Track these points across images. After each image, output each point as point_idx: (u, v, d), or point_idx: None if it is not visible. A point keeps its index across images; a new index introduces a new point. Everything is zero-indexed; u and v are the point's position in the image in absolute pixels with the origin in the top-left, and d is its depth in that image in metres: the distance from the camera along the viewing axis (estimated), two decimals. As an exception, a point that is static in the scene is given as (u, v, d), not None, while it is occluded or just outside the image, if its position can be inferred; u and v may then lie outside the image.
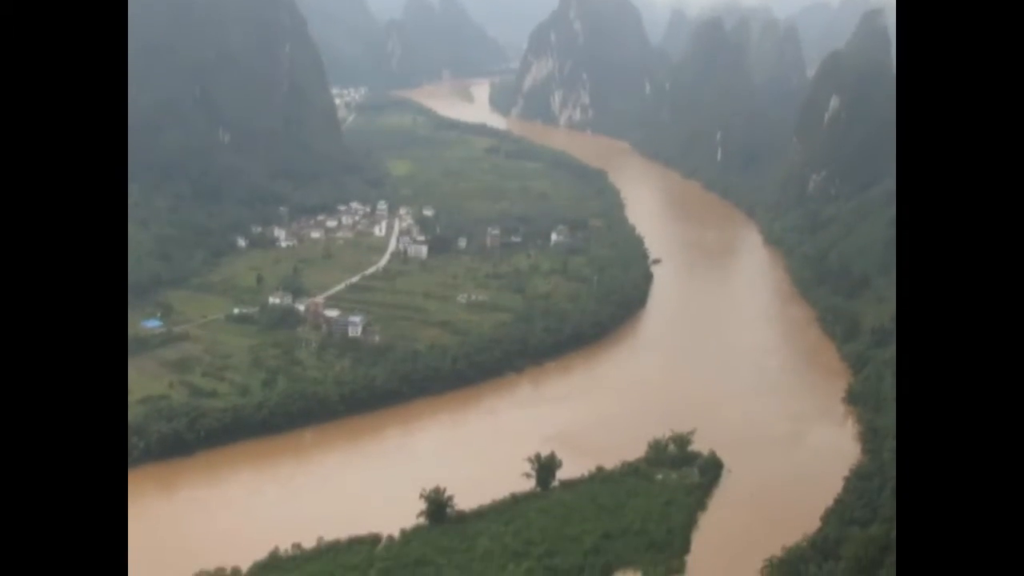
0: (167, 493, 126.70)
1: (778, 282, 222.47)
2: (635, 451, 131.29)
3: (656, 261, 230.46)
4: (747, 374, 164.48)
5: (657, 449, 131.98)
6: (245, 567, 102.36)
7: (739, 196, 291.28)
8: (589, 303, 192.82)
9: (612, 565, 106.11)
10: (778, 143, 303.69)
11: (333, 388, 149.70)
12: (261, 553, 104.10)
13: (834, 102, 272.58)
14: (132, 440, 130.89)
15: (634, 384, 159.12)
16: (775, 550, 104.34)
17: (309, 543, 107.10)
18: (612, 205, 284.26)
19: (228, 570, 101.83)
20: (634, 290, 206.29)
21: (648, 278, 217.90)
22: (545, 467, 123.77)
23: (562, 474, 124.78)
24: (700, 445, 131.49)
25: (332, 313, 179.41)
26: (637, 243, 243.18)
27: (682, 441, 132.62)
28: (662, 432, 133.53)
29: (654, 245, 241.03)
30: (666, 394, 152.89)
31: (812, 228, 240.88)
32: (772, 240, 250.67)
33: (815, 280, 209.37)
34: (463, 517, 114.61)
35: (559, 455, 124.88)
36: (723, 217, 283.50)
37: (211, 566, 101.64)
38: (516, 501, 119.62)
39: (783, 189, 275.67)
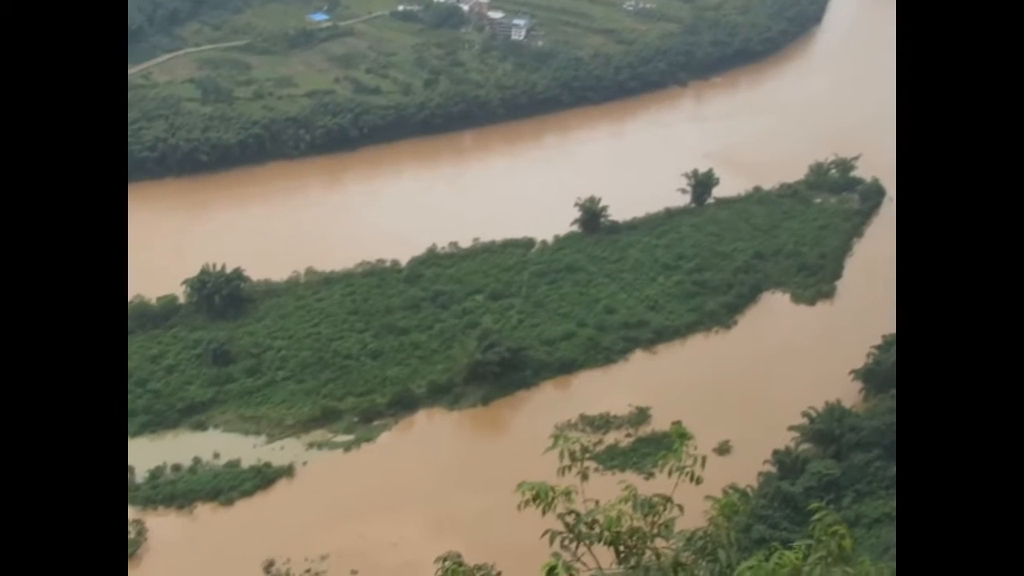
0: (332, 185, 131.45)
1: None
2: (795, 173, 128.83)
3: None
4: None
5: (818, 172, 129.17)
6: (404, 260, 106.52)
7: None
8: (761, 16, 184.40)
9: (761, 284, 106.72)
10: None
11: (494, 91, 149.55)
12: (419, 249, 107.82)
13: None
14: (299, 133, 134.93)
15: (801, 104, 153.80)
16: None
17: (465, 243, 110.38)
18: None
19: (388, 262, 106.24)
20: (810, 5, 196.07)
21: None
22: (702, 183, 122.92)
23: (718, 191, 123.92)
24: (864, 171, 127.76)
25: (496, 15, 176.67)
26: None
27: (845, 166, 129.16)
28: (825, 156, 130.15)
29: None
30: (834, 117, 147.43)
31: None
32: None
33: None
34: (616, 227, 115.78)
35: (717, 172, 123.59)
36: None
37: (372, 257, 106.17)
38: (670, 215, 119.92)
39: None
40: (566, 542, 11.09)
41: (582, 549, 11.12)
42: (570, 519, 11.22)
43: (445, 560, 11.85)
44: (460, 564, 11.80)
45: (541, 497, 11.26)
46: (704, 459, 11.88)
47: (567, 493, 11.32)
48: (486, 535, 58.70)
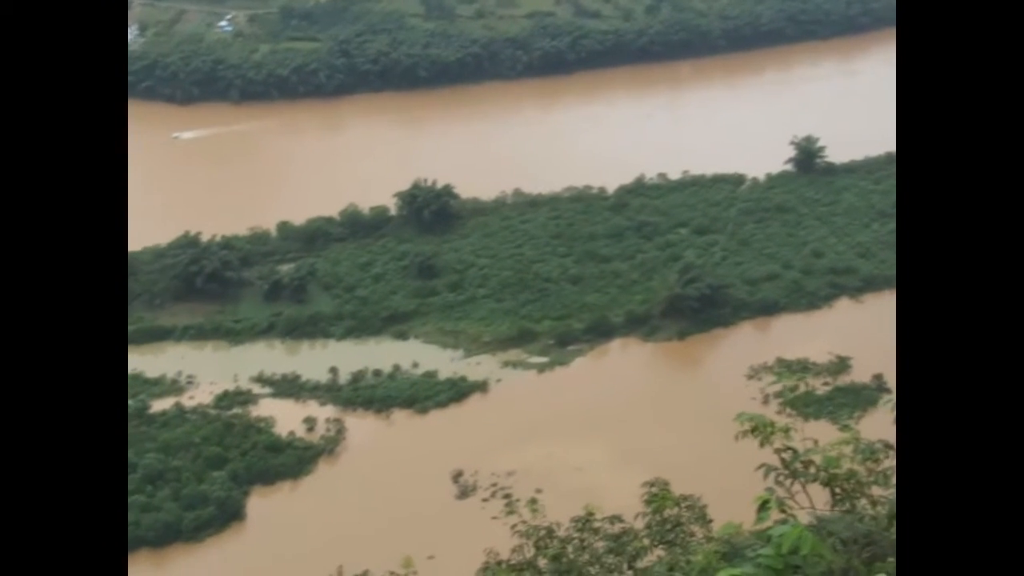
0: (545, 108, 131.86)
1: None
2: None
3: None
4: None
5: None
6: (611, 188, 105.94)
7: None
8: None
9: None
10: None
11: (716, 22, 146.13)
12: (627, 177, 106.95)
13: None
14: (516, 54, 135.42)
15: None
16: None
17: (674, 174, 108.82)
18: None
19: (595, 189, 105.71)
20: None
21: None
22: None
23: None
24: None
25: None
26: None
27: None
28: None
29: None
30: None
31: None
32: None
33: None
34: (832, 169, 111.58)
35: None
36: None
37: (579, 183, 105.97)
38: (891, 160, 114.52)
39: None
40: (780, 478, 10.75)
41: (796, 487, 10.76)
42: (786, 455, 10.85)
43: (652, 485, 11.67)
44: (667, 491, 11.61)
45: (759, 430, 10.92)
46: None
47: (786, 429, 10.94)
48: (674, 467, 58.46)
